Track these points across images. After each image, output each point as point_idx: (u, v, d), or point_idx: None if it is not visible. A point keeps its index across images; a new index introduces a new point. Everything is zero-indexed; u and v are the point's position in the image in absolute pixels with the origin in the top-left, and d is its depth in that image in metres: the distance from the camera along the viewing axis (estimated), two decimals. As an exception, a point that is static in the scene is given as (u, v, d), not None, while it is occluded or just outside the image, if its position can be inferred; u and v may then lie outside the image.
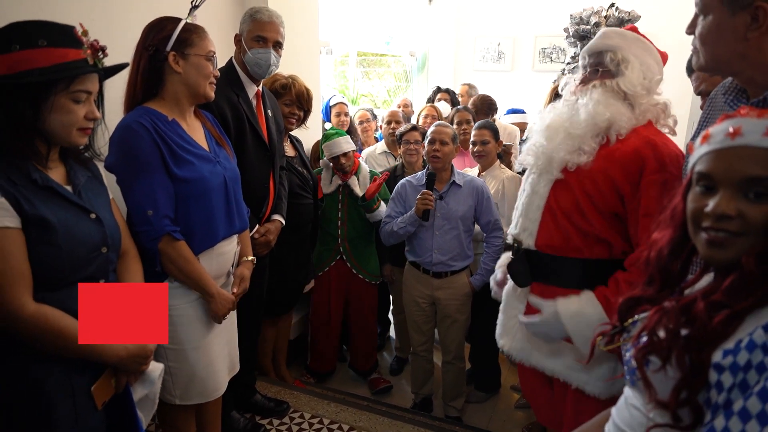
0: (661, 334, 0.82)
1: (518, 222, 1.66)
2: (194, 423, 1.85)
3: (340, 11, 4.69)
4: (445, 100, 4.14)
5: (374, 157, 3.49)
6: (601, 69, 1.55)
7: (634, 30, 1.66)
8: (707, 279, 0.93)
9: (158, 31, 1.53)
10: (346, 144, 2.78)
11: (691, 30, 1.18)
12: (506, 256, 1.81)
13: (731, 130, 0.79)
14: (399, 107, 4.06)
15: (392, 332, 3.70)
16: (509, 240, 1.73)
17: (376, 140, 4.11)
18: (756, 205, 0.76)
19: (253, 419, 2.42)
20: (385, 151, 3.49)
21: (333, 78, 5.18)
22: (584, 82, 1.59)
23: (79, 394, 1.25)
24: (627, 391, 0.96)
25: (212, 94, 1.63)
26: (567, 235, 1.52)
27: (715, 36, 1.12)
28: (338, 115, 3.67)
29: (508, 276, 1.73)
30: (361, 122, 3.82)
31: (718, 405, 0.72)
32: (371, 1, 5.21)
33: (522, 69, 5.80)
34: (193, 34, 1.55)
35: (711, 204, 0.79)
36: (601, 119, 1.47)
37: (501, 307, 1.78)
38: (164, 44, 1.52)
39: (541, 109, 1.74)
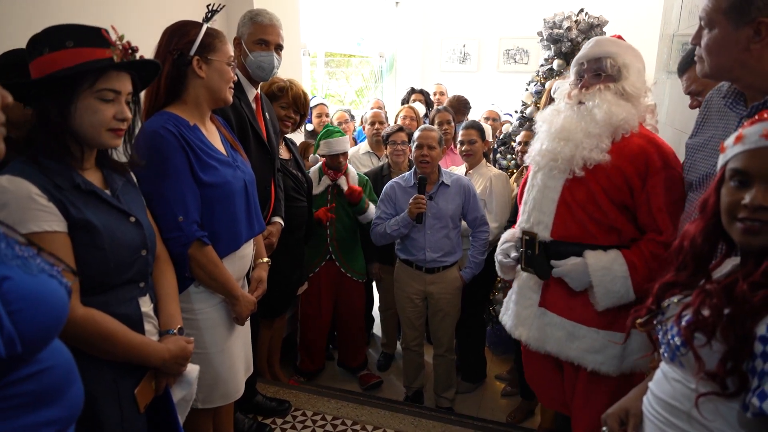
0: (705, 312, 0.93)
1: (529, 216, 1.76)
2: (212, 426, 1.85)
3: (308, 12, 4.69)
4: (420, 101, 4.22)
5: (357, 158, 3.51)
6: (603, 74, 1.67)
7: (620, 39, 1.79)
8: (729, 263, 1.05)
9: (182, 36, 1.53)
10: (347, 144, 2.85)
11: (696, 41, 1.32)
12: (507, 244, 1.88)
13: (765, 132, 0.91)
14: (374, 108, 4.10)
15: (375, 329, 3.77)
16: (518, 234, 1.82)
17: (354, 141, 4.15)
18: None
19: (256, 419, 2.43)
20: (369, 152, 3.52)
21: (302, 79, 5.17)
22: (586, 86, 1.70)
23: (124, 398, 1.25)
24: (664, 366, 1.07)
25: (231, 99, 1.64)
26: (583, 225, 1.66)
27: (719, 47, 1.25)
28: (319, 116, 3.69)
29: (519, 268, 1.83)
30: (339, 123, 3.84)
31: (765, 371, 0.83)
32: (340, 2, 5.23)
33: (487, 70, 5.98)
34: (215, 39, 1.56)
35: (748, 197, 0.91)
36: (616, 119, 1.61)
37: (513, 298, 1.88)
38: (188, 49, 1.52)
39: (541, 114, 1.83)
